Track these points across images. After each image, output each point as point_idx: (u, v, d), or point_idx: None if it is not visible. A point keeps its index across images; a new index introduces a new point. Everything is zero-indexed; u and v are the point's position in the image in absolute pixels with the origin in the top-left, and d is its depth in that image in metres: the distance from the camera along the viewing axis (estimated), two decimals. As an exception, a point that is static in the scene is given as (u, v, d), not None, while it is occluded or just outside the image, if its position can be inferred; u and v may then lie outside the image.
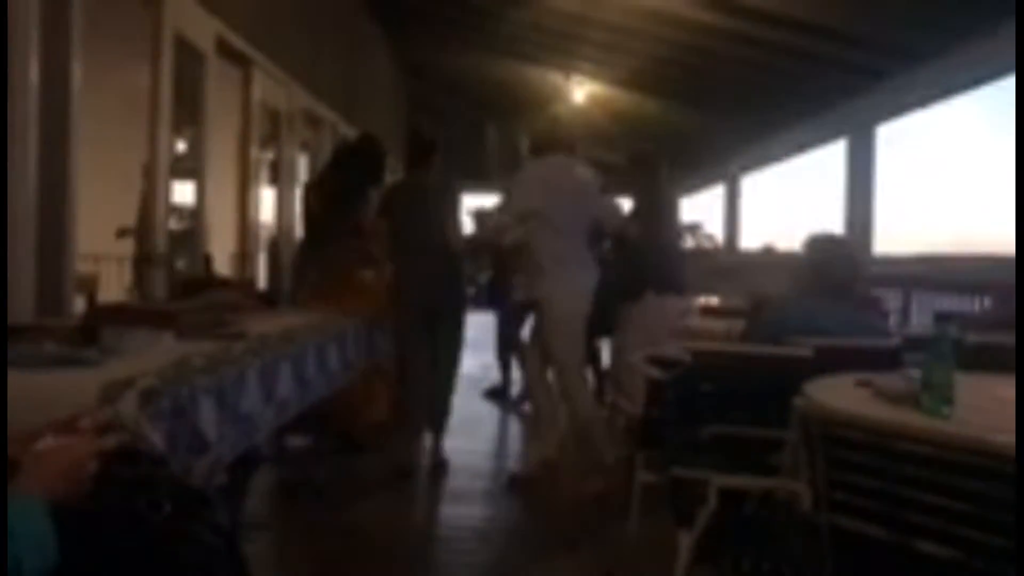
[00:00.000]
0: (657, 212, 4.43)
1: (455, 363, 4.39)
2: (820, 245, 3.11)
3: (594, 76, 10.09)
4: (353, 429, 4.40)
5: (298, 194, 6.17)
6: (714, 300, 6.89)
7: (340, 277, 4.29)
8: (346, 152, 4.61)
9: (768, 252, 6.97)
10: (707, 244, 11.90)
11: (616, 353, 4.53)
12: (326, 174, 4.54)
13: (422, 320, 4.28)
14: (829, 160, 7.65)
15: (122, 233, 6.34)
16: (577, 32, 8.63)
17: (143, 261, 4.66)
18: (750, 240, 11.16)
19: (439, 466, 4.30)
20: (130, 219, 6.06)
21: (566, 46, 9.45)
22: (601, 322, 4.38)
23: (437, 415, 4.36)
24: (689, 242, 10.71)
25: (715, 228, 11.97)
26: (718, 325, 4.56)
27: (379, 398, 4.35)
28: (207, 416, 2.09)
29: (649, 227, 4.31)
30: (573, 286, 3.99)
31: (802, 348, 2.65)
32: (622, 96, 10.44)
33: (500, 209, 4.15)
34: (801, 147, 8.72)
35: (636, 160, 4.57)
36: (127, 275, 6.49)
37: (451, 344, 4.34)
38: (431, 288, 4.27)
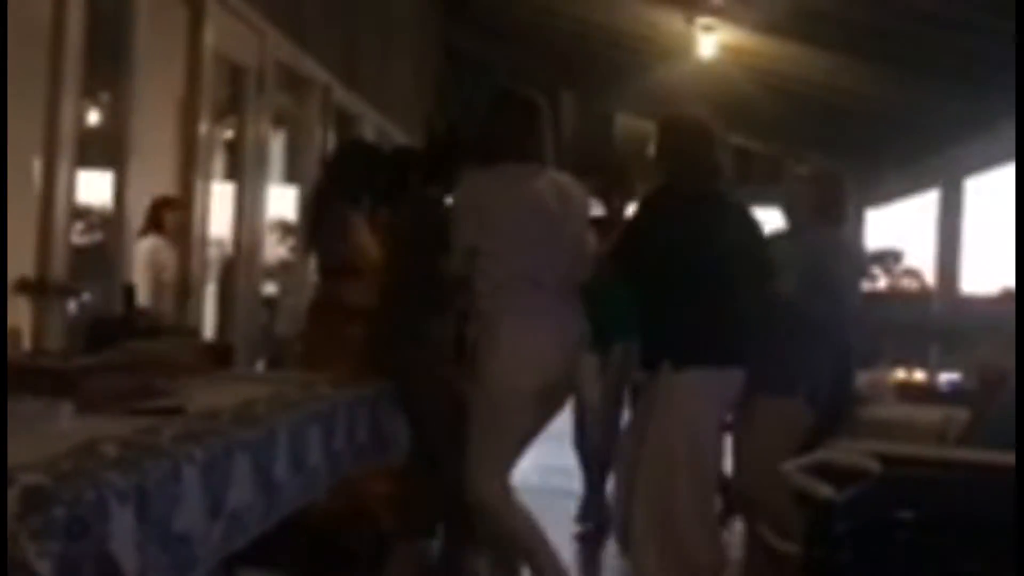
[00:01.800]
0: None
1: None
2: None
3: (731, 17, 10.10)
4: (345, 537, 4.56)
5: (274, 193, 6.33)
6: (919, 374, 6.79)
7: (321, 333, 4.84)
8: (325, 164, 5.41)
9: (1009, 300, 6.84)
10: (908, 284, 11.74)
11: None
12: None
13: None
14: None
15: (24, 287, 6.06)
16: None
17: (30, 290, 4.75)
18: (979, 280, 10.98)
19: None
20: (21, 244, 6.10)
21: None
22: None
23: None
24: (881, 281, 10.62)
25: (922, 259, 11.79)
26: (926, 415, 4.48)
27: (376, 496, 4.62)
28: (122, 535, 2.09)
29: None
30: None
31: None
32: (773, 48, 10.41)
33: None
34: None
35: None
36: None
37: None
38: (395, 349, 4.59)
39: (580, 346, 4.32)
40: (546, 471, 6.98)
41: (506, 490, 4.18)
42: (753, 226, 4.41)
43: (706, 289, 4.12)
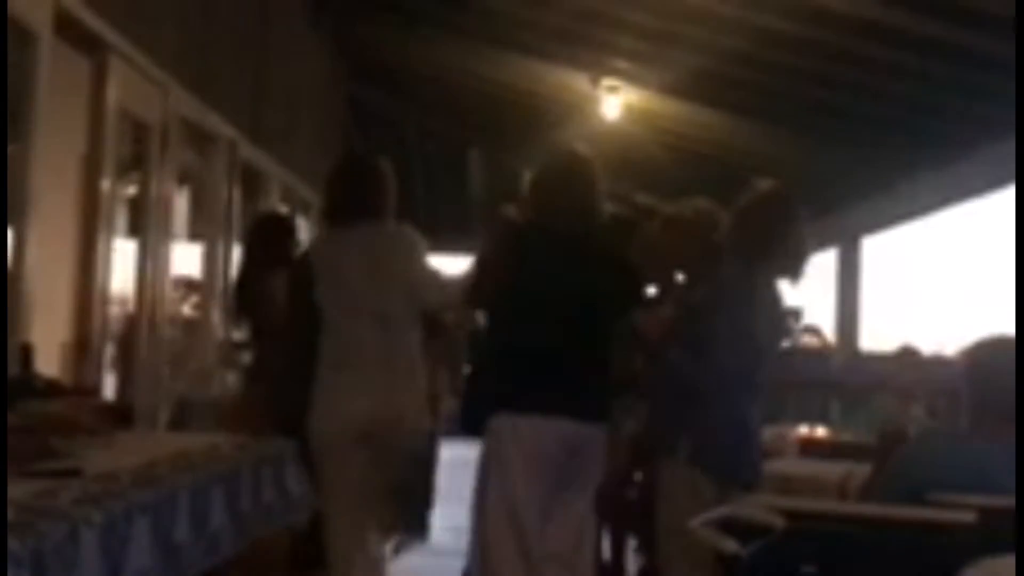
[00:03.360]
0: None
1: None
2: (993, 352, 3.12)
3: (634, 79, 10.27)
4: None
5: (178, 251, 6.37)
6: (820, 431, 6.87)
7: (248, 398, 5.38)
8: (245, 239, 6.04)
9: (907, 357, 6.99)
10: (809, 341, 11.92)
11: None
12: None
13: None
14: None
15: None
16: (612, 13, 8.80)
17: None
18: (878, 338, 11.17)
19: None
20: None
21: (594, 34, 9.63)
22: None
23: None
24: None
25: (822, 317, 11.99)
26: (827, 470, 4.54)
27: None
28: (15, 601, 2.06)
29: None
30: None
31: (960, 510, 2.64)
32: (675, 109, 10.61)
33: None
34: (965, 195, 8.82)
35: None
36: None
37: None
38: None
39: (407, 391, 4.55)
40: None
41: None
42: (617, 272, 4.32)
43: (541, 332, 4.12)
